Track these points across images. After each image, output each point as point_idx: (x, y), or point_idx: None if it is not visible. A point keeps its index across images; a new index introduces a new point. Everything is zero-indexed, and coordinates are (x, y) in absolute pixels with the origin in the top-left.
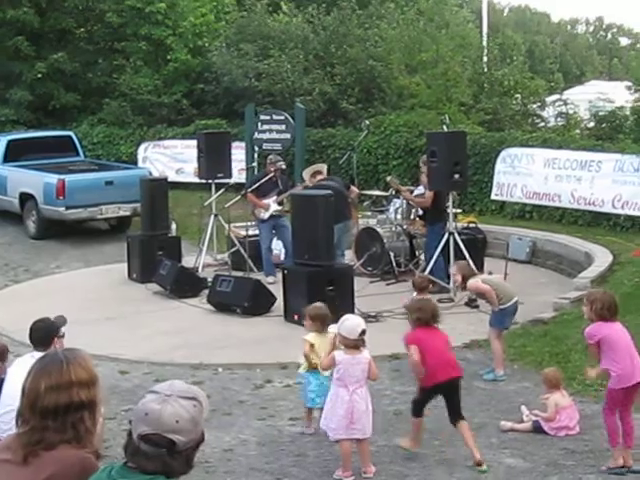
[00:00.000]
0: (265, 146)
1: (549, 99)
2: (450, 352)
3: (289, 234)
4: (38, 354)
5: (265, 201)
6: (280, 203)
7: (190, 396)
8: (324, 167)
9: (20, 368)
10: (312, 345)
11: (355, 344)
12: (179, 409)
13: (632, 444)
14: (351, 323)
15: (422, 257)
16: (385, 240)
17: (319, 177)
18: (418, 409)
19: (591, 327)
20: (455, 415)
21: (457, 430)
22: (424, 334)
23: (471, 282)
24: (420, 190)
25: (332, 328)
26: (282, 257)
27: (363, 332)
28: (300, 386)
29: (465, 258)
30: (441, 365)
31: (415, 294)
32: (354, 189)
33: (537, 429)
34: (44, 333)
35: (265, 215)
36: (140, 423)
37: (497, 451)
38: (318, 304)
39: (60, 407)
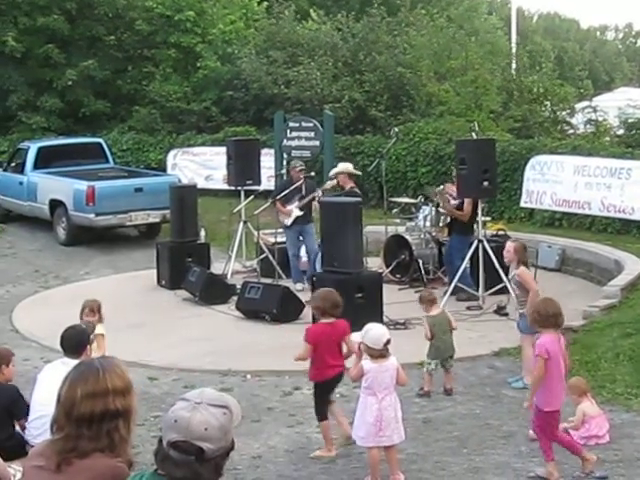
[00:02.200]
0: (294, 153)
1: (578, 106)
2: None
3: (312, 241)
4: (69, 361)
5: (288, 207)
6: (302, 208)
7: (220, 404)
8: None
9: (51, 374)
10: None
11: (381, 354)
12: (208, 417)
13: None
14: (375, 333)
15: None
16: (414, 247)
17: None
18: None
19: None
20: None
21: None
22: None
23: (525, 271)
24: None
25: (355, 336)
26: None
27: (388, 342)
28: None
29: (494, 266)
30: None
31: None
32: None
33: None
34: (76, 341)
35: (288, 222)
36: (169, 430)
37: (526, 460)
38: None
39: (96, 415)
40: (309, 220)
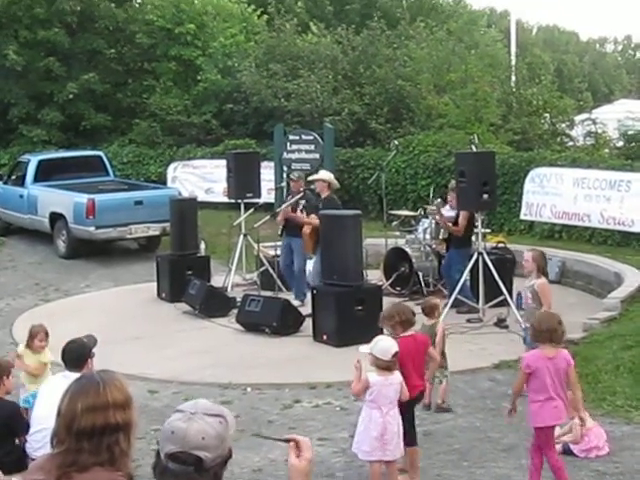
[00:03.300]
0: (294, 166)
1: (578, 118)
2: None
3: (299, 258)
4: (70, 374)
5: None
6: (286, 221)
7: (215, 413)
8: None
9: (52, 387)
10: None
11: (387, 365)
12: (205, 426)
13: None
14: (384, 344)
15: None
16: (414, 260)
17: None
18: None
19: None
20: None
21: None
22: None
23: (547, 284)
24: (448, 210)
25: (364, 348)
26: (310, 277)
27: (396, 354)
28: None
29: (494, 278)
30: None
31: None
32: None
33: (566, 451)
34: (77, 354)
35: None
36: (167, 442)
37: (527, 473)
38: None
39: (96, 429)
40: (296, 234)
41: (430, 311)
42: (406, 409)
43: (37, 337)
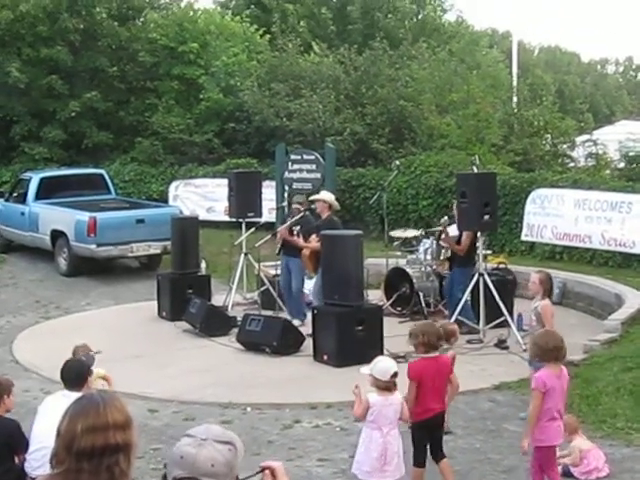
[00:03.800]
0: (295, 185)
1: (579, 139)
2: None
3: (298, 278)
4: (70, 393)
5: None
6: (284, 242)
7: (226, 440)
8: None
9: (51, 406)
10: None
11: (387, 386)
12: (214, 453)
13: None
14: (384, 365)
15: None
16: (414, 280)
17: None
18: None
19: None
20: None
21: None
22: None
23: (549, 306)
24: (454, 229)
25: (364, 369)
26: (311, 297)
27: (395, 374)
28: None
29: (495, 299)
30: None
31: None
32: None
33: (566, 473)
34: (76, 374)
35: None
36: (175, 466)
37: None
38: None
39: (96, 449)
40: (294, 254)
41: (447, 337)
42: (414, 430)
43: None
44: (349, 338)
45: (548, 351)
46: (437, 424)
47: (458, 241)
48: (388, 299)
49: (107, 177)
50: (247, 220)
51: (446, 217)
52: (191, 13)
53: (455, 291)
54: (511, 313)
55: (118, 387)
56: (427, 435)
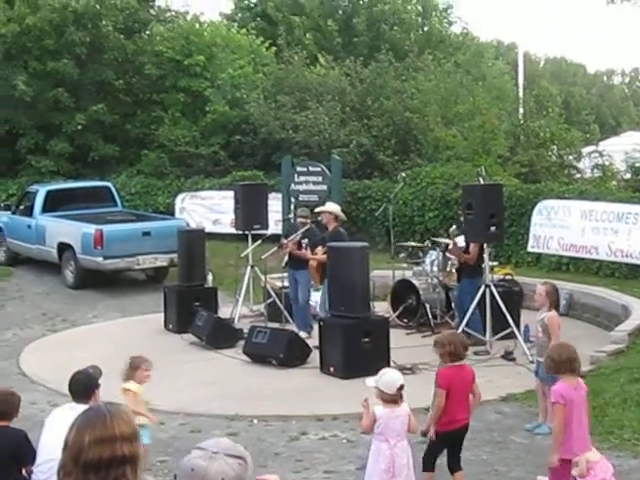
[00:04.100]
0: (302, 197)
1: (585, 150)
2: None
3: (304, 290)
4: (77, 406)
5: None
6: (290, 255)
7: (237, 454)
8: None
9: (58, 418)
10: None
11: (393, 399)
12: (225, 467)
13: None
14: (389, 377)
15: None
16: (421, 292)
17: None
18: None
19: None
20: None
21: None
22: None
23: (556, 317)
24: (461, 240)
25: (369, 381)
26: (317, 309)
27: (401, 387)
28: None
29: (501, 311)
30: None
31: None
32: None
33: None
34: (84, 386)
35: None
36: (186, 479)
37: None
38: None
39: (103, 461)
40: (300, 266)
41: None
42: (437, 440)
43: (142, 367)
44: (355, 350)
45: (562, 363)
46: (461, 436)
47: (466, 251)
48: (394, 311)
49: (113, 190)
50: (253, 232)
51: (454, 226)
52: (197, 26)
53: (465, 302)
54: (518, 324)
55: (122, 399)
56: (447, 446)
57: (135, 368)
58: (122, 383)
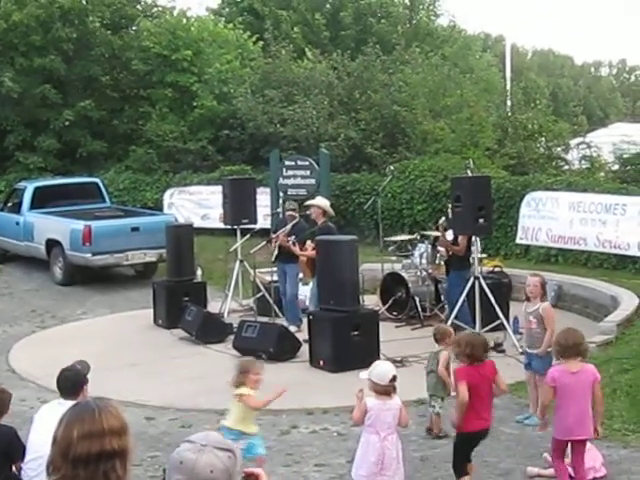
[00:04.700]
0: (290, 191)
1: (573, 142)
2: None
3: (292, 283)
4: (66, 402)
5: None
6: (280, 247)
7: (225, 447)
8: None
9: (47, 415)
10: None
11: (385, 390)
12: (214, 459)
13: None
14: (382, 369)
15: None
16: (410, 285)
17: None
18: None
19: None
20: None
21: None
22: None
23: (551, 308)
24: (449, 234)
25: (363, 374)
26: (307, 302)
27: (394, 378)
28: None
29: (490, 303)
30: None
31: (436, 346)
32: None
33: None
34: (72, 383)
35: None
36: (174, 472)
37: None
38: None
39: (92, 456)
40: (289, 260)
41: (441, 338)
42: (462, 438)
43: (252, 371)
44: (345, 343)
45: (568, 348)
46: (481, 439)
47: (454, 243)
48: (384, 304)
49: (102, 186)
50: (242, 227)
51: (444, 218)
52: (184, 21)
53: (454, 295)
54: (507, 316)
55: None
56: (472, 448)
57: (245, 372)
58: (234, 390)
